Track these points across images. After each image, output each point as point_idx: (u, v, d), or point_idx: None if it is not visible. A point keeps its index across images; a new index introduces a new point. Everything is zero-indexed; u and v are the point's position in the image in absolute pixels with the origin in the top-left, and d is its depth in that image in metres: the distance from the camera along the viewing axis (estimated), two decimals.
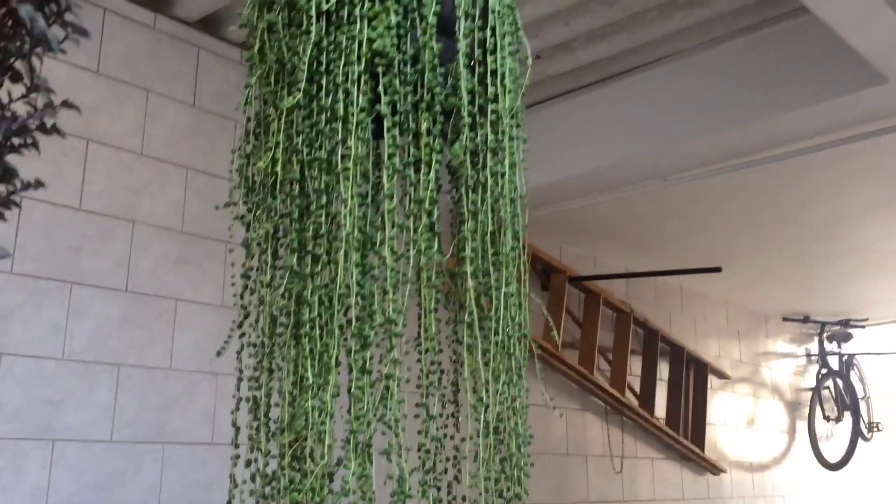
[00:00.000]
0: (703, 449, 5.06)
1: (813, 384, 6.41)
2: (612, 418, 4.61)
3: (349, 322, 0.98)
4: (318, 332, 0.97)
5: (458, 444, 1.08)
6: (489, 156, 1.09)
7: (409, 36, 1.07)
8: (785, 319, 6.31)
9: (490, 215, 1.08)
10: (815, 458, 6.11)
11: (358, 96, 1.01)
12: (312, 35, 1.02)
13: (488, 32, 1.12)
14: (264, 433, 1.04)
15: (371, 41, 1.03)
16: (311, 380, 0.94)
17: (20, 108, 0.76)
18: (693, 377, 5.16)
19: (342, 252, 0.96)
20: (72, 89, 2.54)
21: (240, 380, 1.09)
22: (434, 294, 1.02)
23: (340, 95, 1.02)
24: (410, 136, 1.05)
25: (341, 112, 1.01)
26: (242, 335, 1.11)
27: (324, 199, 1.01)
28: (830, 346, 6.53)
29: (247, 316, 1.11)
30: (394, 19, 1.04)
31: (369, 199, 1.03)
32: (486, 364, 1.05)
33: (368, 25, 1.04)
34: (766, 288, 5.60)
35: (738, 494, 5.55)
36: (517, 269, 1.11)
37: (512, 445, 1.04)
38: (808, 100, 2.76)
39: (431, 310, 1.02)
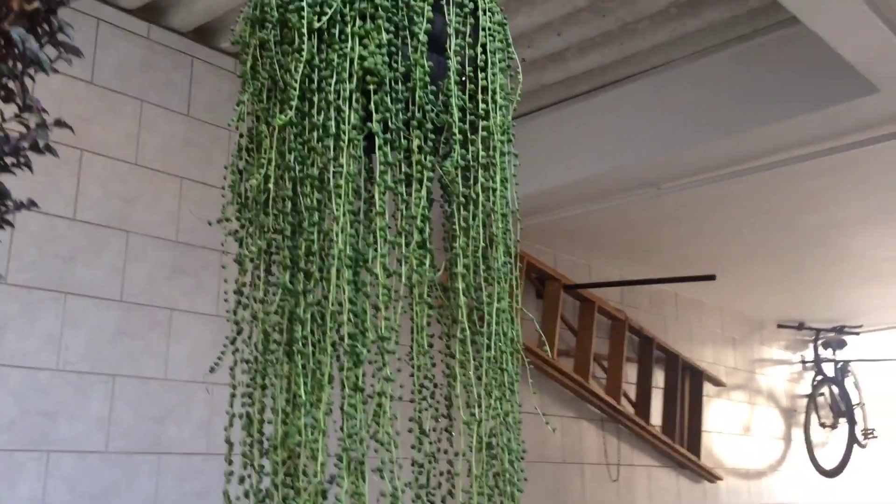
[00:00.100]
0: (699, 456, 5.06)
1: (808, 391, 6.42)
2: (608, 426, 4.61)
3: (342, 339, 0.98)
4: (310, 349, 0.97)
5: (452, 458, 1.08)
6: (480, 172, 1.09)
7: (400, 54, 1.08)
8: (780, 326, 6.32)
9: (481, 231, 1.09)
10: (812, 464, 6.11)
11: (349, 114, 1.02)
12: (304, 53, 1.02)
13: (479, 50, 1.13)
14: (258, 450, 1.04)
15: (362, 59, 1.03)
16: (303, 397, 0.95)
17: (12, 128, 0.76)
18: (688, 384, 5.16)
19: (334, 269, 0.97)
20: (65, 100, 2.54)
21: (233, 395, 1.09)
22: (426, 311, 1.02)
23: (332, 113, 1.02)
24: (402, 153, 1.05)
25: (333, 130, 1.02)
26: (236, 351, 1.11)
27: (316, 217, 1.01)
28: (825, 353, 6.54)
29: (240, 332, 1.11)
30: (385, 37, 1.05)
31: (361, 215, 1.03)
32: (479, 378, 1.05)
33: (360, 44, 1.04)
34: (760, 295, 5.61)
35: (735, 502, 5.55)
36: (509, 284, 1.12)
37: (505, 461, 1.04)
38: (799, 109, 2.78)
39: (423, 327, 1.02)
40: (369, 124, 1.04)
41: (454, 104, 1.08)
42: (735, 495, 5.57)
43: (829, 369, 6.53)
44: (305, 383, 0.96)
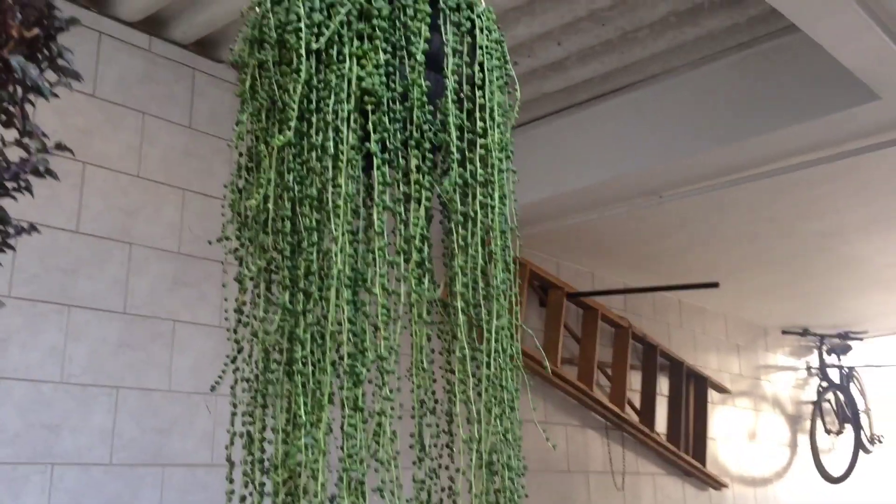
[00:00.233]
0: (704, 464, 5.04)
1: (814, 397, 6.40)
2: (613, 434, 4.60)
3: (341, 358, 0.98)
4: (310, 368, 0.98)
5: (453, 474, 1.08)
6: (479, 189, 1.10)
7: (397, 73, 1.08)
8: (784, 332, 6.31)
9: (480, 249, 1.09)
10: (818, 471, 6.09)
11: (348, 134, 1.02)
12: (303, 74, 1.03)
13: (476, 68, 1.13)
14: (258, 468, 1.04)
15: (360, 80, 1.04)
16: (303, 417, 0.95)
17: (13, 152, 0.77)
18: (693, 392, 5.15)
19: (333, 289, 0.97)
20: (67, 112, 2.56)
21: (234, 414, 1.10)
22: (425, 330, 1.03)
23: (330, 133, 1.03)
24: (400, 172, 1.06)
25: (332, 150, 1.02)
26: (236, 370, 1.11)
27: (315, 237, 1.01)
28: (830, 359, 6.52)
29: (240, 350, 1.11)
30: (382, 58, 1.05)
31: (360, 235, 1.03)
32: (479, 395, 1.05)
33: (357, 64, 1.05)
34: (764, 301, 5.60)
35: None
36: (508, 301, 1.12)
37: (506, 478, 1.04)
38: (800, 117, 2.78)
39: (423, 346, 1.02)
40: (367, 144, 1.05)
41: (452, 123, 1.08)
42: (741, 502, 5.55)
43: (834, 375, 6.51)
44: (305, 403, 0.96)
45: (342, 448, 0.95)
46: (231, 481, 1.07)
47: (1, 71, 0.71)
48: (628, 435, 4.64)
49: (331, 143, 1.03)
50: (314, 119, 1.04)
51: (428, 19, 1.10)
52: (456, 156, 1.09)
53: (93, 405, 2.47)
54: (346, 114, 1.03)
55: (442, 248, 1.15)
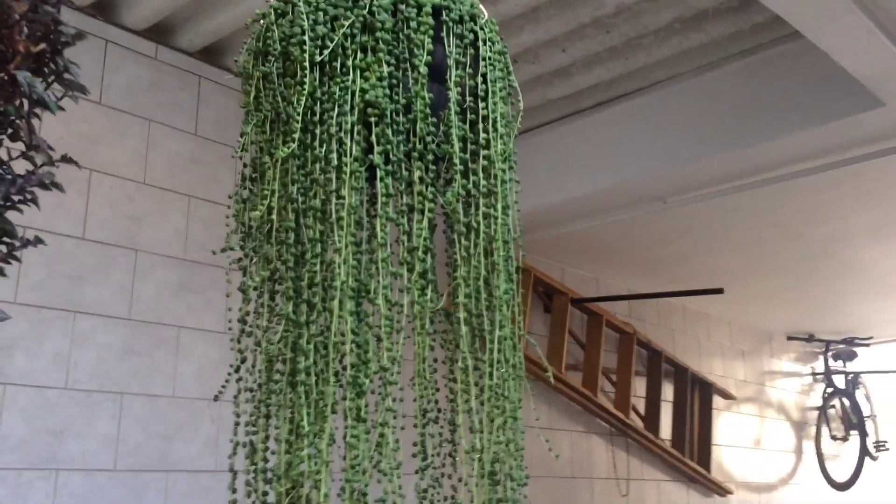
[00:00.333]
0: (709, 470, 5.03)
1: (819, 403, 6.38)
2: (617, 440, 4.59)
3: (344, 369, 0.99)
4: (313, 379, 0.98)
5: (456, 483, 1.08)
6: (481, 200, 1.10)
7: (401, 85, 1.09)
8: (789, 338, 6.29)
9: (483, 260, 1.09)
10: (823, 477, 6.07)
11: (351, 146, 1.03)
12: (307, 85, 1.03)
13: (479, 80, 1.14)
14: (261, 479, 1.04)
15: (364, 92, 1.05)
16: (306, 428, 0.95)
17: (19, 164, 0.78)
18: (698, 397, 5.14)
19: (337, 300, 0.97)
20: (73, 120, 2.57)
21: (237, 424, 1.10)
22: (427, 341, 1.03)
23: (334, 145, 1.03)
24: (403, 184, 1.06)
25: (335, 162, 1.03)
26: (239, 380, 1.12)
27: (318, 248, 1.02)
28: (836, 365, 6.49)
29: (244, 360, 1.12)
30: (386, 70, 1.06)
31: (363, 246, 1.04)
32: (482, 404, 1.05)
33: (361, 76, 1.05)
34: (769, 307, 5.59)
35: None
36: (511, 310, 1.12)
37: (508, 488, 1.04)
38: (804, 123, 2.78)
39: (425, 357, 1.03)
40: (371, 156, 1.05)
41: (455, 134, 1.09)
42: None
43: (839, 381, 6.49)
44: (308, 413, 0.96)
45: (345, 458, 0.96)
46: (234, 491, 1.07)
47: (7, 85, 0.72)
48: (633, 441, 4.63)
49: (334, 155, 1.03)
50: (318, 131, 1.05)
51: (431, 31, 1.10)
52: (459, 167, 1.09)
53: (98, 411, 2.48)
54: (349, 125, 1.04)
55: (446, 257, 1.15)
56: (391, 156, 1.05)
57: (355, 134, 1.04)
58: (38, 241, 0.79)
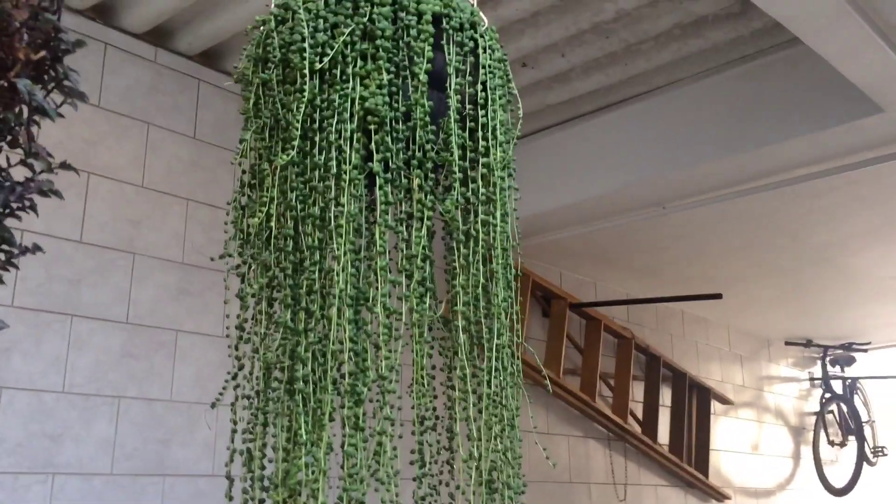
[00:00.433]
0: (707, 475, 5.02)
1: (817, 408, 6.38)
2: (615, 445, 4.58)
3: (342, 377, 0.98)
4: (311, 387, 0.98)
5: (454, 491, 1.08)
6: (480, 208, 1.10)
7: (400, 93, 1.09)
8: (787, 343, 6.29)
9: (482, 268, 1.09)
10: (821, 483, 6.06)
11: (350, 154, 1.03)
12: (306, 93, 1.03)
13: (479, 87, 1.14)
14: (258, 487, 1.04)
15: (363, 99, 1.05)
16: (304, 436, 0.95)
17: (18, 172, 0.78)
18: (696, 402, 5.14)
19: (335, 308, 0.97)
20: (72, 123, 2.57)
21: (234, 431, 1.10)
22: (426, 350, 1.03)
23: (333, 153, 1.03)
24: (402, 191, 1.06)
25: (334, 169, 1.03)
26: (237, 387, 1.11)
27: (317, 256, 1.02)
28: (833, 370, 6.49)
29: (241, 367, 1.12)
30: (385, 78, 1.06)
31: (362, 254, 1.04)
32: (480, 412, 1.05)
33: (361, 84, 1.05)
34: (767, 312, 5.59)
35: None
36: (510, 318, 1.12)
37: (505, 497, 1.04)
38: (804, 129, 2.78)
39: (423, 365, 1.03)
40: (370, 164, 1.05)
41: (454, 142, 1.09)
42: None
43: (837, 386, 6.49)
44: (306, 422, 0.96)
45: (342, 467, 0.95)
46: (231, 499, 1.07)
47: (7, 93, 0.72)
48: (631, 446, 4.63)
49: (333, 163, 1.03)
50: (317, 138, 1.05)
51: (431, 39, 1.10)
52: (458, 175, 1.09)
53: (95, 415, 2.48)
54: (349, 133, 1.04)
55: (444, 263, 1.15)
56: (390, 163, 1.05)
57: (355, 141, 1.04)
58: (36, 248, 0.79)
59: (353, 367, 0.97)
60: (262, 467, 1.05)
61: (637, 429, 4.62)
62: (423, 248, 1.03)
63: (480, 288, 1.08)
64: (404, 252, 1.04)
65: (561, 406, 4.24)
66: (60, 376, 2.43)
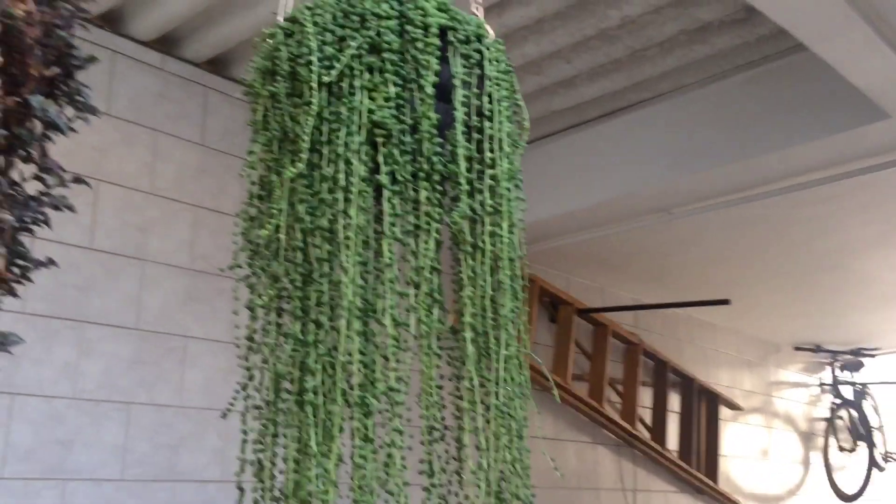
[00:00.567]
0: (716, 481, 5.00)
1: (826, 414, 6.35)
2: (624, 451, 4.57)
3: (352, 389, 0.99)
4: (321, 399, 0.98)
5: (462, 501, 1.08)
6: (487, 219, 1.11)
7: (407, 106, 1.09)
8: (796, 349, 6.26)
9: (489, 279, 1.10)
10: (831, 489, 6.03)
11: (358, 166, 1.04)
12: (314, 106, 1.04)
13: (485, 99, 1.14)
14: (269, 498, 1.04)
15: (371, 112, 1.05)
16: (314, 447, 0.96)
17: (31, 186, 0.79)
18: (704, 408, 5.12)
19: (344, 320, 0.98)
20: (81, 131, 2.58)
21: (244, 441, 1.11)
22: (434, 361, 1.03)
23: (341, 165, 1.04)
24: (410, 203, 1.07)
25: (342, 181, 1.04)
26: (247, 398, 1.12)
27: (326, 267, 1.02)
28: (843, 376, 6.46)
29: (251, 378, 1.12)
30: (393, 90, 1.07)
31: (370, 266, 1.04)
32: (488, 423, 1.06)
33: (368, 97, 1.06)
34: (775, 318, 5.57)
35: None
36: (517, 329, 1.12)
37: None
38: (810, 135, 2.78)
39: (432, 377, 1.03)
40: (378, 176, 1.06)
41: (461, 154, 1.09)
42: None
43: (847, 392, 6.46)
44: (316, 433, 0.97)
45: (352, 478, 0.96)
46: None
47: (21, 109, 0.73)
48: (639, 452, 4.62)
49: (342, 175, 1.04)
50: (325, 151, 1.06)
51: (438, 52, 1.11)
52: (465, 186, 1.10)
53: (105, 421, 2.49)
54: (356, 146, 1.05)
55: (452, 273, 1.15)
56: (398, 176, 1.06)
57: (362, 154, 1.05)
58: (50, 262, 0.80)
59: (361, 378, 0.98)
60: (273, 478, 1.06)
61: (646, 434, 4.61)
62: (431, 259, 1.04)
63: (488, 299, 1.09)
64: (412, 263, 1.05)
65: (569, 412, 4.23)
66: (70, 382, 2.44)
